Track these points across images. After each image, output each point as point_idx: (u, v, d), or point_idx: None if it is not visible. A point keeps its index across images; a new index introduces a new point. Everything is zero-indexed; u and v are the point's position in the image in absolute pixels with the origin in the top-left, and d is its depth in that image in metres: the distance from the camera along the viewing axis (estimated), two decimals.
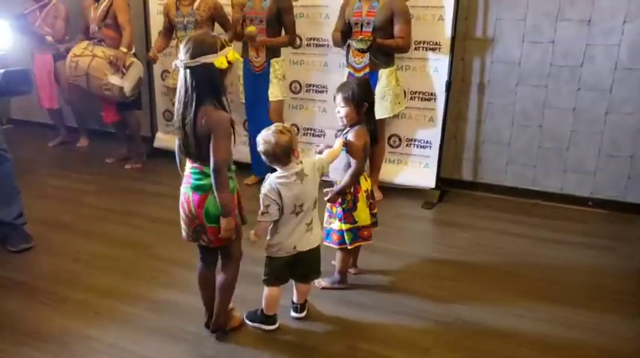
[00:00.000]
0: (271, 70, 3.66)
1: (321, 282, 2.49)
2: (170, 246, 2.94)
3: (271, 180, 2.03)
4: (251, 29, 3.50)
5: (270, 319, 2.20)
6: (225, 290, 2.09)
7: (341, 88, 2.34)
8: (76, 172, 4.22)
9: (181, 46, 1.86)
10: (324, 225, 2.41)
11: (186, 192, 1.96)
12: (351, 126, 2.32)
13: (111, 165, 4.48)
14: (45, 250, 2.93)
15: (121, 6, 4.00)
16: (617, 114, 3.42)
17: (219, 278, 2.09)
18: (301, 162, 2.05)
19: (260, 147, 2.02)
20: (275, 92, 3.69)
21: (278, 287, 2.16)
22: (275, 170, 2.05)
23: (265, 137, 2.00)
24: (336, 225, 2.38)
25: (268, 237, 2.09)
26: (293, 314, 2.28)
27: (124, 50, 3.95)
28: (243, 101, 3.85)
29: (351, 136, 2.29)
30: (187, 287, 2.50)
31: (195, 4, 3.75)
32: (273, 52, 3.67)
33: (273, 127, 2.03)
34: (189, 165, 1.97)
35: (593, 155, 3.55)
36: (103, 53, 3.95)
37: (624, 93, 3.38)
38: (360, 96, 2.28)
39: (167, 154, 4.55)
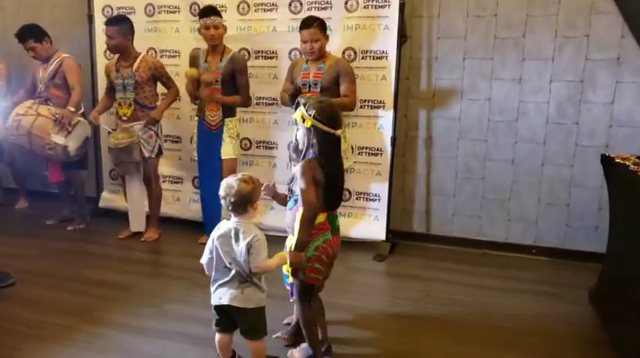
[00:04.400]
0: (225, 129, 3.70)
1: (293, 353, 2.37)
2: (112, 310, 2.80)
3: (219, 226, 2.10)
4: (209, 76, 3.56)
5: None
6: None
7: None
8: (13, 236, 4.00)
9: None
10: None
11: (328, 239, 2.15)
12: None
13: (52, 227, 4.28)
14: None
15: (71, 67, 3.98)
16: (551, 165, 3.64)
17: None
18: (248, 224, 2.06)
19: (221, 191, 2.07)
20: (227, 151, 3.71)
21: (220, 333, 2.17)
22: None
23: (229, 182, 2.06)
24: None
25: None
26: None
27: (72, 109, 3.89)
28: (195, 158, 3.84)
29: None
30: (129, 354, 2.38)
31: (135, 66, 3.76)
32: (229, 112, 3.72)
33: (240, 175, 2.08)
34: (321, 216, 2.13)
35: (534, 204, 3.72)
36: (48, 111, 3.87)
37: (556, 146, 3.61)
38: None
39: (112, 214, 4.42)
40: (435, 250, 3.86)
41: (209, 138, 3.73)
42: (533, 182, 3.69)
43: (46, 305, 2.87)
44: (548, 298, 3.05)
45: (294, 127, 3.53)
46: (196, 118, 3.80)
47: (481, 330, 2.66)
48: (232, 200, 2.01)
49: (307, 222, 2.07)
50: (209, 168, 3.74)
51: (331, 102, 2.25)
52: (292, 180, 2.31)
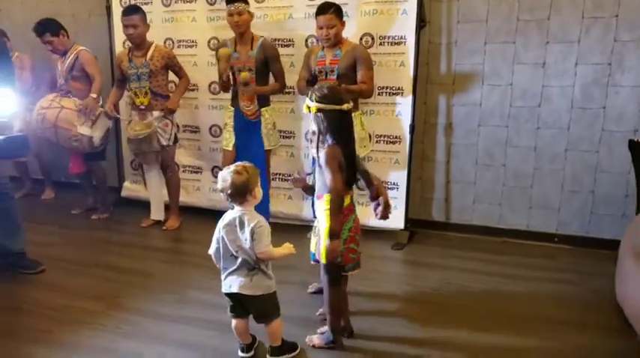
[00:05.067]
0: (262, 119, 3.68)
1: (312, 339, 2.38)
2: (136, 296, 2.88)
3: (224, 216, 2.13)
4: (245, 74, 3.51)
5: (240, 347, 2.27)
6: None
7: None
8: (41, 224, 4.11)
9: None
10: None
11: (355, 218, 2.29)
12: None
13: (77, 217, 4.39)
14: (4, 305, 2.82)
15: (88, 59, 4.03)
16: (575, 151, 3.54)
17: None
18: (251, 211, 2.09)
19: (218, 184, 2.11)
20: (266, 142, 3.71)
21: (234, 319, 2.21)
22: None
23: (224, 175, 2.09)
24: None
25: None
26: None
27: (94, 96, 3.94)
28: (229, 149, 3.75)
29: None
30: (152, 338, 2.44)
31: (149, 55, 3.77)
32: (264, 101, 3.70)
33: (232, 166, 2.10)
34: (347, 198, 2.24)
35: (556, 191, 3.63)
36: (71, 103, 3.94)
37: (580, 131, 3.51)
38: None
39: (134, 204, 4.50)
40: (455, 238, 3.82)
41: (248, 129, 3.69)
42: (556, 168, 3.61)
43: (74, 291, 2.97)
44: (570, 287, 3.00)
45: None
46: (231, 109, 3.73)
47: (500, 318, 2.64)
48: (229, 192, 2.05)
49: (337, 209, 2.12)
50: (248, 159, 3.68)
51: (330, 84, 2.31)
52: (314, 166, 2.36)
